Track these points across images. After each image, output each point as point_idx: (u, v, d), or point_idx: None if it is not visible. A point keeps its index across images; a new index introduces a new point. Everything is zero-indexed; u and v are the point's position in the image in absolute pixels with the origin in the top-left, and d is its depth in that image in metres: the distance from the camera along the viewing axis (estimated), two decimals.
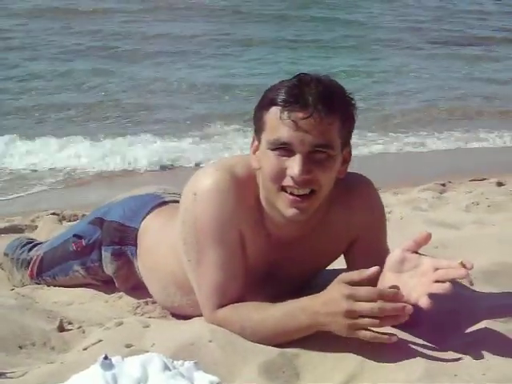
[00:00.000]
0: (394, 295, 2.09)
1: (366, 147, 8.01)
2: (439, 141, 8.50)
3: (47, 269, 3.28)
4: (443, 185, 5.96)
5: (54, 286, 3.25)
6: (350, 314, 2.08)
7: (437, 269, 2.10)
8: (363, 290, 2.09)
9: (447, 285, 2.04)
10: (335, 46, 14.30)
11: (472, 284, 2.08)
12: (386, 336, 2.10)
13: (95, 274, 3.13)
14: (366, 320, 2.07)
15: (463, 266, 2.05)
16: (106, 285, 3.14)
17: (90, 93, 9.95)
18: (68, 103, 9.35)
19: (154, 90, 10.25)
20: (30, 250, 3.46)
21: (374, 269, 2.12)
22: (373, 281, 2.15)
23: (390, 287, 2.12)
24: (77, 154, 7.43)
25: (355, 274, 2.15)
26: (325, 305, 2.15)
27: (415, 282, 2.12)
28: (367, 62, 12.85)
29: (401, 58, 13.58)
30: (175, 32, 14.56)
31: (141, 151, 7.54)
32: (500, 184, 5.90)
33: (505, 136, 8.74)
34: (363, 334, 2.10)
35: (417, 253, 2.18)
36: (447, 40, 15.82)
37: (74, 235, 3.18)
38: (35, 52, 12.18)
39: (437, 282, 2.07)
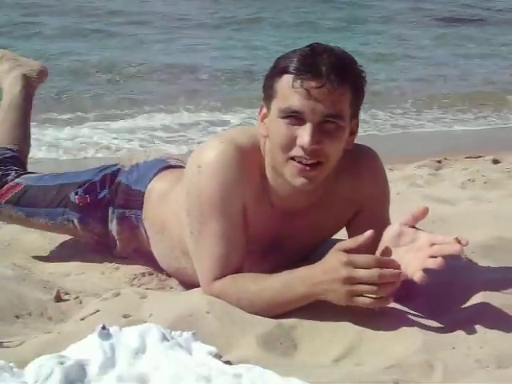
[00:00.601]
0: (390, 262, 2.11)
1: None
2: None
3: (27, 205, 3.12)
4: (439, 161, 5.95)
5: (18, 223, 3.14)
6: (349, 281, 2.09)
7: (433, 244, 2.10)
8: (362, 257, 2.10)
9: (440, 260, 2.04)
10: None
11: (467, 259, 2.08)
12: (383, 300, 2.11)
13: (90, 231, 3.06)
14: (365, 286, 2.09)
15: (458, 241, 2.05)
16: (96, 243, 3.10)
17: None
18: None
19: None
20: (7, 172, 3.25)
21: (369, 233, 2.13)
22: (369, 249, 2.16)
23: (381, 255, 2.15)
24: None
25: (351, 242, 2.17)
26: (324, 273, 2.15)
27: (411, 256, 2.12)
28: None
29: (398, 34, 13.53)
30: None
31: None
32: (496, 161, 5.88)
33: None
34: (361, 300, 2.11)
35: (414, 227, 2.18)
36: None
37: (79, 187, 3.06)
38: None
39: (432, 257, 2.07)
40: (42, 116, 7.40)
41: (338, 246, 2.18)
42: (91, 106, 8.27)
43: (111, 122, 7.79)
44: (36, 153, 6.02)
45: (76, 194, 3.05)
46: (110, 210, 3.00)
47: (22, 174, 3.29)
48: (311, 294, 2.20)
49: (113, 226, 3.00)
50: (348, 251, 2.14)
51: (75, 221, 3.06)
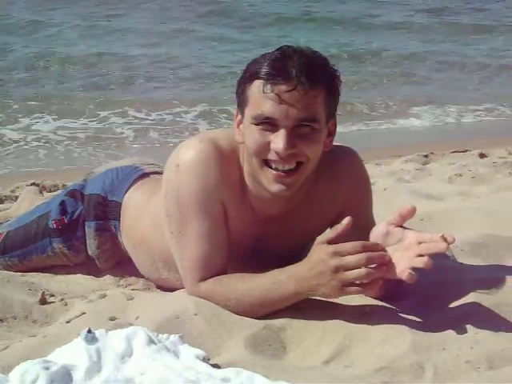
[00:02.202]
0: (375, 245, 2.11)
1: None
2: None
3: (16, 248, 3.07)
4: (426, 156, 5.95)
5: (16, 270, 3.00)
6: (339, 269, 2.08)
7: (420, 243, 2.08)
8: (347, 245, 2.10)
9: (427, 259, 2.02)
10: None
11: (453, 257, 2.07)
12: (374, 283, 2.10)
13: (78, 252, 3.00)
14: (355, 271, 2.07)
15: (444, 239, 2.04)
16: (83, 267, 3.01)
17: None
18: None
19: None
20: None
21: (347, 219, 2.13)
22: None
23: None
24: None
25: (331, 232, 2.16)
26: (312, 268, 2.14)
27: (399, 255, 2.10)
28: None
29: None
30: None
31: None
32: (483, 155, 5.89)
33: None
34: (354, 289, 2.10)
35: (401, 226, 2.16)
36: None
37: (50, 211, 3.02)
38: None
39: (419, 255, 2.05)
40: None
41: (319, 239, 2.17)
42: None
43: None
44: None
45: (53, 219, 3.00)
46: (87, 224, 2.94)
47: None
48: (301, 291, 2.18)
49: (91, 241, 2.94)
50: (330, 242, 2.13)
51: (61, 246, 3.00)
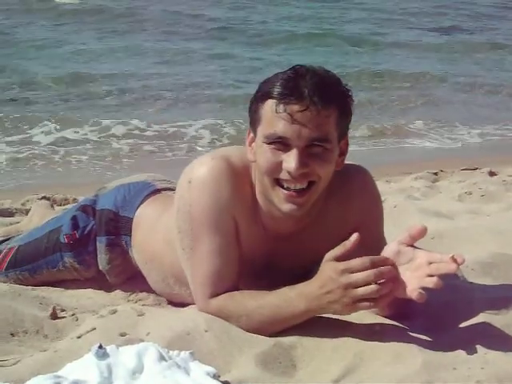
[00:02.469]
0: (384, 260, 2.11)
1: None
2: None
3: (27, 262, 3.08)
4: (435, 174, 5.95)
5: (27, 284, 3.01)
6: (349, 287, 2.08)
7: (431, 263, 2.08)
8: (356, 261, 2.10)
9: (436, 279, 2.03)
10: None
11: (463, 277, 2.07)
12: (384, 298, 2.10)
13: (89, 267, 3.00)
14: (365, 288, 2.07)
15: (454, 260, 2.04)
16: (93, 281, 3.02)
17: None
18: None
19: None
20: None
21: (355, 236, 2.13)
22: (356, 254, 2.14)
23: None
24: None
25: (339, 249, 2.16)
26: (322, 287, 2.14)
27: (409, 275, 2.10)
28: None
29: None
30: None
31: None
32: (492, 174, 5.89)
33: None
34: (364, 305, 2.11)
35: (412, 246, 2.16)
36: None
37: (62, 226, 3.03)
38: None
39: (430, 275, 2.05)
40: None
41: (327, 256, 2.17)
42: None
43: None
44: None
45: (64, 234, 3.01)
46: (98, 239, 2.95)
47: (8, 239, 3.31)
48: (311, 309, 2.19)
49: (102, 256, 2.95)
50: (338, 259, 2.13)
51: (72, 261, 3.00)
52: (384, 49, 14.07)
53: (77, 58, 11.78)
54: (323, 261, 2.18)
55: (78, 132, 8.00)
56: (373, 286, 2.07)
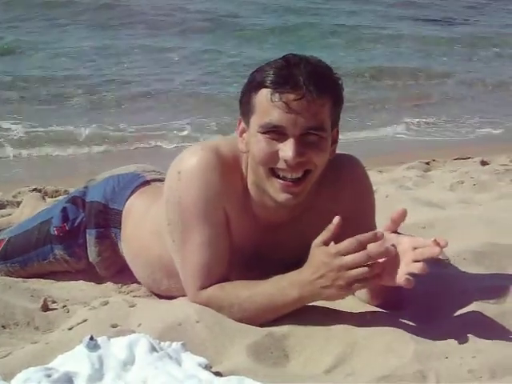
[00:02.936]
0: (372, 236, 2.10)
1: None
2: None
3: (17, 254, 3.07)
4: (427, 163, 5.95)
5: (17, 276, 3.01)
6: (342, 269, 2.09)
7: (415, 248, 2.08)
8: (345, 243, 2.10)
9: (421, 265, 2.02)
10: None
11: (448, 260, 2.07)
12: (377, 277, 2.10)
13: (79, 259, 2.99)
14: (358, 270, 2.08)
15: (437, 244, 2.04)
16: (85, 273, 3.00)
17: None
18: None
19: None
20: None
21: (336, 219, 2.15)
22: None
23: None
24: None
25: (325, 233, 2.17)
26: (315, 272, 2.15)
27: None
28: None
29: None
30: None
31: None
32: (484, 163, 5.89)
33: None
34: (358, 286, 2.12)
35: (396, 232, 2.16)
36: None
37: (52, 218, 3.02)
38: None
39: (415, 261, 2.05)
40: None
41: (315, 242, 2.17)
42: None
43: None
44: None
45: (54, 226, 3.00)
46: (88, 231, 2.94)
47: None
48: (305, 296, 2.19)
49: (92, 248, 2.94)
50: (326, 244, 2.14)
51: (63, 253, 2.99)
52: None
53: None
54: (312, 247, 2.18)
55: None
56: (365, 268, 2.08)
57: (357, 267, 2.08)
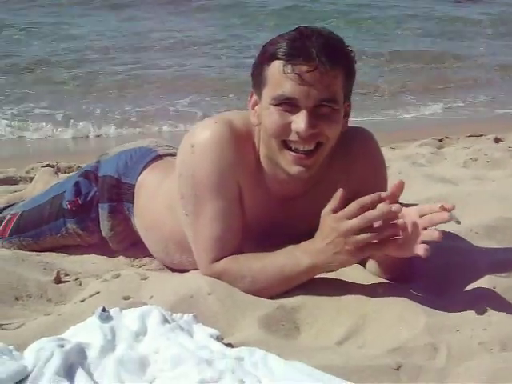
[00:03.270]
0: (377, 197, 2.11)
1: None
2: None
3: (30, 228, 3.08)
4: (441, 140, 5.92)
5: (30, 250, 3.02)
6: (348, 233, 2.11)
7: (421, 216, 2.08)
8: (349, 206, 2.12)
9: (436, 232, 2.04)
10: None
11: (459, 222, 2.06)
12: (387, 240, 2.11)
13: (91, 233, 3.00)
14: (366, 235, 2.09)
15: (444, 209, 2.04)
16: (97, 247, 3.02)
17: None
18: None
19: None
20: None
21: (340, 190, 2.18)
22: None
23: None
24: None
25: (332, 202, 2.19)
26: (325, 238, 2.17)
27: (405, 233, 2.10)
28: None
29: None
30: None
31: None
32: (498, 140, 5.84)
33: None
34: (369, 249, 2.14)
35: (401, 204, 2.15)
36: None
37: (65, 192, 3.03)
38: None
39: (425, 229, 2.06)
40: None
41: (324, 211, 2.19)
42: None
43: None
44: None
45: (67, 200, 3.00)
46: (100, 206, 2.94)
47: (10, 206, 3.32)
48: (318, 264, 2.20)
49: (105, 222, 2.94)
50: (335, 211, 2.15)
51: (75, 227, 3.00)
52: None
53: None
54: (321, 215, 2.20)
55: None
56: (372, 234, 2.09)
57: (363, 231, 2.09)
